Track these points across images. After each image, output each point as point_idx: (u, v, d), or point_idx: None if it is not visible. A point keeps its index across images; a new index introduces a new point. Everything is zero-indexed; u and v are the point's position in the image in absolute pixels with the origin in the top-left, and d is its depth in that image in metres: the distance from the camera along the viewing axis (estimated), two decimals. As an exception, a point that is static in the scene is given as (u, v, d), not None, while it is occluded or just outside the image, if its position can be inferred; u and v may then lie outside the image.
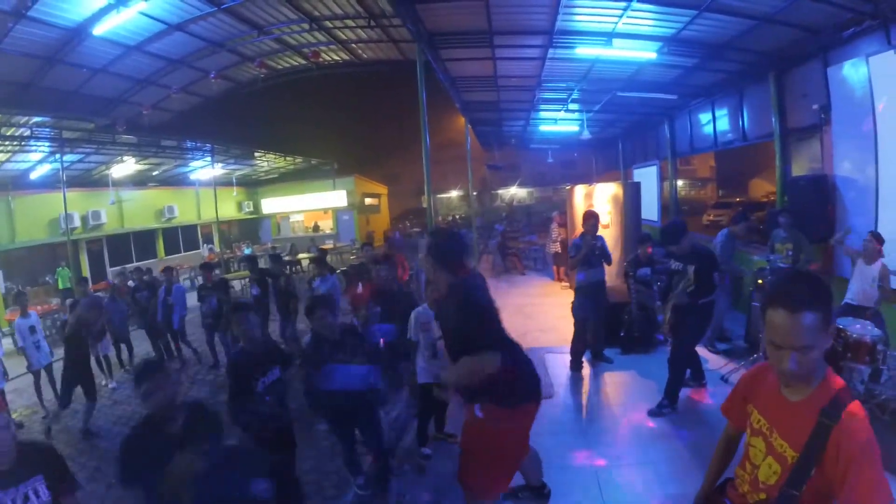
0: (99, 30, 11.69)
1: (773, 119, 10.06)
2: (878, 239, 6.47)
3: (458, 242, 3.71)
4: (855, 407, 1.79)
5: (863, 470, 1.68)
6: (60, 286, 18.44)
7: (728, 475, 2.38)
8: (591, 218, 7.75)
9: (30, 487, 2.82)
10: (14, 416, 8.47)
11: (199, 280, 10.92)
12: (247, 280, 15.75)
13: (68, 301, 11.51)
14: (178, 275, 17.60)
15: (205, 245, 29.46)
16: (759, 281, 7.98)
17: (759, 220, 17.88)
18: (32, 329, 8.93)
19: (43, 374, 9.12)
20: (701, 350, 6.98)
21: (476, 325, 3.32)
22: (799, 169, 9.82)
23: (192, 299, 11.23)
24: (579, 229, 8.39)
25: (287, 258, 23.43)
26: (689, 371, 6.56)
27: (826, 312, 1.79)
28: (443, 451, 5.70)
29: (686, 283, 6.02)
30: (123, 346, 11.08)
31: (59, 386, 9.02)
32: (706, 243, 7.65)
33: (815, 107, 8.80)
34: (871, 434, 1.75)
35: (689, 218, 23.28)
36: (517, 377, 3.47)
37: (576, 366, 7.77)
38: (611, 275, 9.62)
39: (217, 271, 21.04)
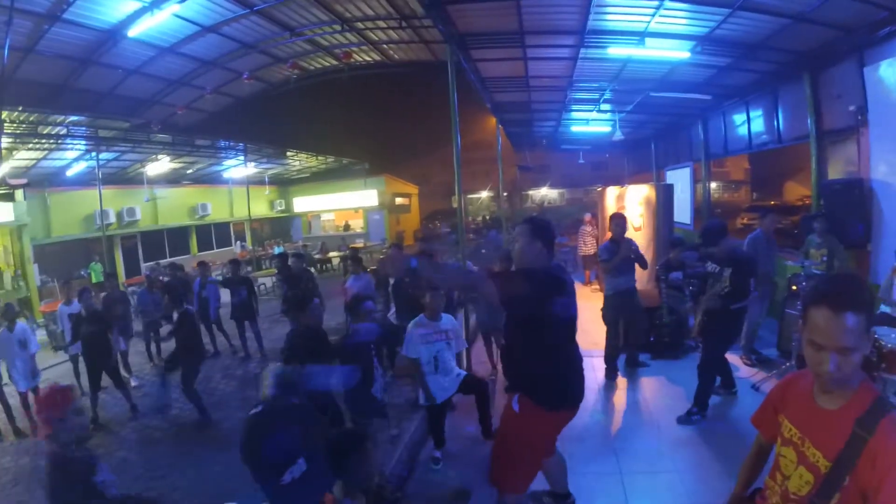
0: (133, 32, 11.88)
1: (809, 120, 9.84)
2: None
3: (551, 227, 3.73)
4: (893, 417, 1.74)
5: None
6: (94, 280, 18.84)
7: (758, 485, 2.35)
8: (619, 219, 7.69)
9: None
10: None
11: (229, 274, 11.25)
12: (276, 277, 16.06)
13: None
14: (211, 270, 17.99)
15: (237, 242, 29.87)
16: (794, 287, 7.83)
17: (793, 224, 17.56)
18: (72, 317, 9.15)
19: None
20: (734, 359, 6.88)
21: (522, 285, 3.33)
22: (835, 172, 9.60)
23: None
24: (608, 233, 8.32)
25: (318, 256, 23.71)
26: (719, 379, 6.47)
27: (868, 315, 1.75)
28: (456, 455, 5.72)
29: (721, 286, 5.94)
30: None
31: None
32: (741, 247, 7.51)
33: (851, 108, 8.56)
34: None
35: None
36: (566, 381, 3.53)
37: (611, 374, 7.66)
38: (642, 279, 9.54)
39: (249, 268, 21.45)
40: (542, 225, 3.62)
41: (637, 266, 7.70)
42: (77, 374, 9.34)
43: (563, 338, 3.52)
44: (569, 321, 3.53)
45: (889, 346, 5.19)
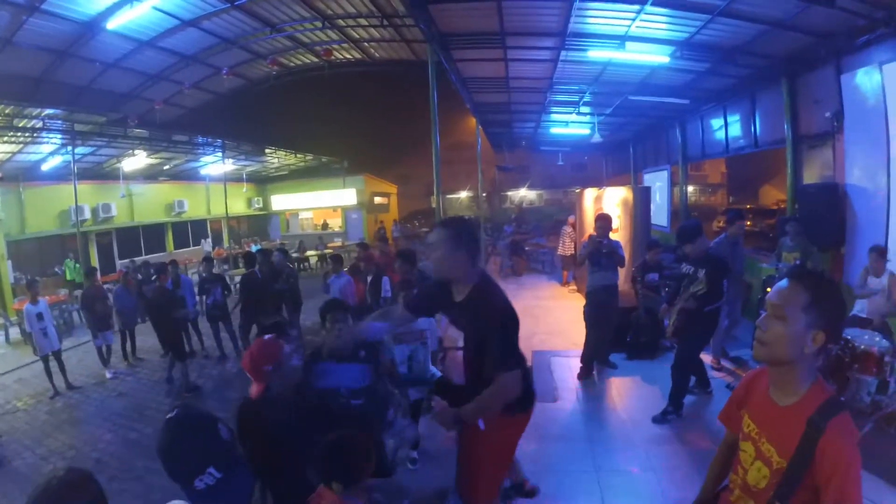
0: (112, 24, 11.74)
1: (786, 125, 9.97)
2: (882, 254, 6.46)
3: (475, 231, 3.45)
4: (842, 418, 1.79)
5: (843, 486, 1.70)
6: (68, 277, 18.55)
7: (727, 482, 2.38)
8: (601, 220, 7.72)
9: None
10: (19, 403, 8.59)
11: (204, 273, 11.09)
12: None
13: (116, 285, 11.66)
14: (187, 268, 17.71)
15: (203, 241, 28.84)
16: (768, 289, 7.90)
17: (769, 226, 17.78)
18: (40, 316, 9.06)
19: (52, 359, 9.20)
20: (705, 360, 6.94)
21: (505, 332, 3.14)
22: (811, 176, 9.73)
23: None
24: (589, 232, 8.37)
25: (295, 255, 23.56)
26: (694, 379, 6.52)
27: (819, 304, 1.83)
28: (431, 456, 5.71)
29: (696, 287, 5.98)
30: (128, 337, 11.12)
31: (66, 371, 9.39)
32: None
33: (827, 114, 8.70)
34: (856, 449, 1.76)
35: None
36: (528, 379, 3.42)
37: (586, 373, 7.61)
38: (619, 279, 9.63)
39: (226, 266, 21.24)
40: (465, 230, 3.28)
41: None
42: (49, 373, 9.16)
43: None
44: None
45: (862, 346, 5.28)
